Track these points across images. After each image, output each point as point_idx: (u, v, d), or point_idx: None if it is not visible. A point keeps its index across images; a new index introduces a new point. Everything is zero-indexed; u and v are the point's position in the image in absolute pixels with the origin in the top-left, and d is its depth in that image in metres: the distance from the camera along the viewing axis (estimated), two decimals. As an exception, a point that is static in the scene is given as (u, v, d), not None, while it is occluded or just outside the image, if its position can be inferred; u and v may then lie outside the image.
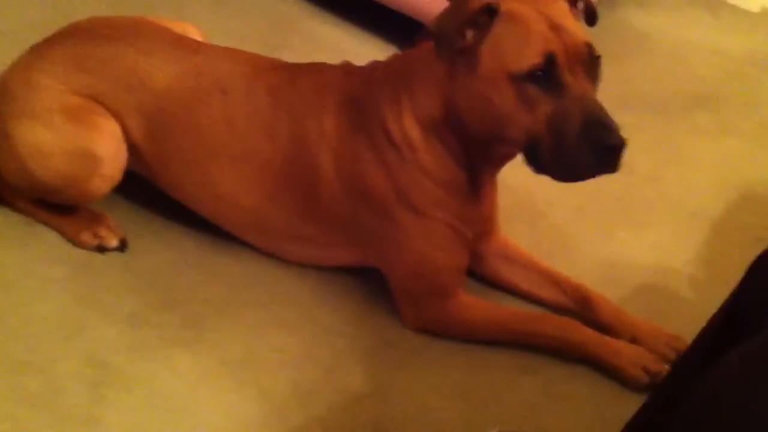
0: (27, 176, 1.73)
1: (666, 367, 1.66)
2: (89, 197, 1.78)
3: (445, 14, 1.50)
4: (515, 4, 1.50)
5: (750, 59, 3.03)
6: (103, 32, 1.78)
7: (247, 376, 1.62)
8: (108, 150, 1.72)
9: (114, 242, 1.82)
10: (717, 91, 2.71)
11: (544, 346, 1.71)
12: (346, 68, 1.76)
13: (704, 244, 2.10)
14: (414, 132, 1.61)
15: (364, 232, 1.72)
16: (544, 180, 1.54)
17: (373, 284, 1.82)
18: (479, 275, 1.88)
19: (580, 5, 1.61)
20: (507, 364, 1.71)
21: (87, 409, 1.52)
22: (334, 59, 1.81)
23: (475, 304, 1.74)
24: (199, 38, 1.91)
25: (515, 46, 1.46)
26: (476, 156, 1.62)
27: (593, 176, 1.48)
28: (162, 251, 1.85)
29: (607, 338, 1.71)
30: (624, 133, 1.45)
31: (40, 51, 1.77)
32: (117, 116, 1.73)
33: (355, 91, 1.67)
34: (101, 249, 1.81)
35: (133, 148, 1.76)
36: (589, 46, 1.48)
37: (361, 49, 2.58)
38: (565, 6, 1.55)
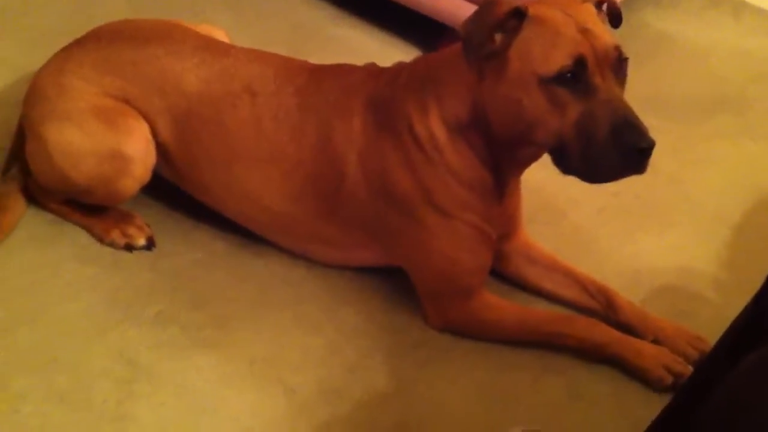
0: (59, 177, 1.75)
1: (689, 368, 1.66)
2: (119, 197, 1.80)
3: (474, 19, 1.48)
4: (543, 8, 1.49)
5: (772, 61, 3.01)
6: (133, 35, 1.80)
7: (273, 375, 1.64)
8: (138, 151, 1.74)
9: (142, 241, 1.85)
10: (739, 94, 2.69)
11: (568, 346, 1.72)
12: (372, 70, 1.76)
13: (726, 247, 2.08)
14: (440, 133, 1.61)
15: (389, 233, 1.72)
16: (566, 181, 1.54)
17: (397, 284, 1.83)
18: (503, 275, 1.89)
19: (605, 8, 1.61)
20: (530, 365, 1.72)
21: (115, 405, 1.55)
22: (357, 62, 1.81)
23: (499, 305, 1.75)
24: (226, 41, 1.93)
25: (544, 49, 1.45)
26: (502, 157, 1.62)
27: (621, 177, 1.49)
28: (189, 252, 1.87)
29: (631, 339, 1.71)
30: (649, 135, 1.45)
31: (71, 53, 1.79)
32: (146, 118, 1.75)
33: (382, 93, 1.68)
34: (129, 248, 1.84)
35: (161, 150, 1.78)
36: (618, 49, 1.48)
37: (384, 51, 2.58)
38: (593, 9, 1.55)
